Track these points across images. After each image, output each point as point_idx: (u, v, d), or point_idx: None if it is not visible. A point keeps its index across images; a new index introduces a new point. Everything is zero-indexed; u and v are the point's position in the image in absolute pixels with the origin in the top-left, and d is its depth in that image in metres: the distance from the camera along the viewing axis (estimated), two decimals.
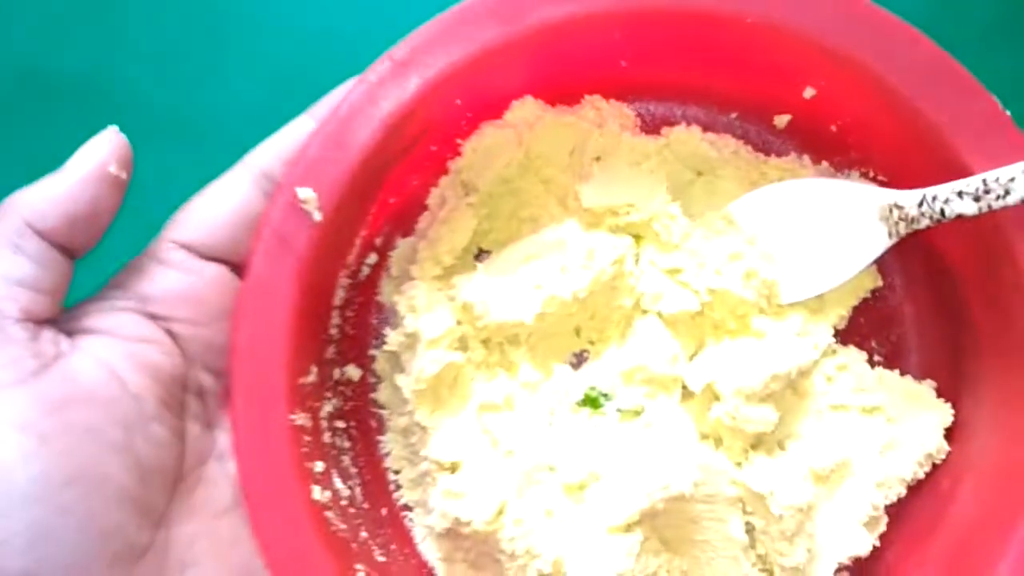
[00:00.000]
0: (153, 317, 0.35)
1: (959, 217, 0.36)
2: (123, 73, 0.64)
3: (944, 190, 0.36)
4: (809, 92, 0.40)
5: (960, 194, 0.35)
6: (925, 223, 0.37)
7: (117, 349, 0.34)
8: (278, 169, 0.37)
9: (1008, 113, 0.35)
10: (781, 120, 0.43)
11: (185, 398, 0.37)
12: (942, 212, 0.36)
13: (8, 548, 0.29)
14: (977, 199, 0.35)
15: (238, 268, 0.37)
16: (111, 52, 0.64)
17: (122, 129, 0.59)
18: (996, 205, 0.34)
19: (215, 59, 0.64)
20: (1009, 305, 0.37)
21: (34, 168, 0.59)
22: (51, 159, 0.58)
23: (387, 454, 0.45)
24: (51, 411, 0.31)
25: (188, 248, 0.36)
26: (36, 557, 0.30)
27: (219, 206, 0.36)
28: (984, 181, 0.34)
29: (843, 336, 0.44)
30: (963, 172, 0.36)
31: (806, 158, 0.44)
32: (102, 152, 0.35)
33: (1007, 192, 0.34)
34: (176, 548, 0.35)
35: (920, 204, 0.37)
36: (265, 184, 0.37)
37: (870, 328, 0.45)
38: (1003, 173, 0.34)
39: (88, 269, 0.40)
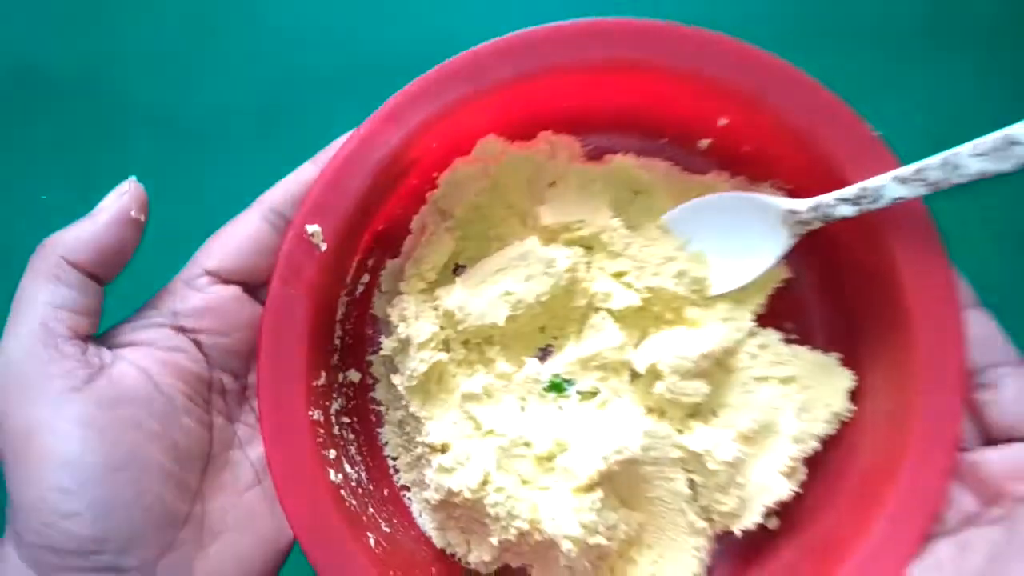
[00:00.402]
0: (182, 330, 0.43)
1: (842, 219, 0.44)
2: (118, 72, 0.66)
3: (829, 197, 0.44)
4: (722, 122, 0.47)
5: (842, 200, 0.43)
6: (817, 224, 0.45)
7: (152, 357, 0.41)
8: (285, 207, 0.44)
9: (878, 133, 0.43)
10: (703, 143, 0.50)
11: (210, 396, 0.44)
12: (828, 215, 0.44)
13: (80, 519, 0.37)
14: (855, 204, 0.43)
15: (251, 288, 0.44)
16: (107, 51, 0.66)
17: (116, 127, 0.65)
18: (870, 208, 0.42)
19: (210, 58, 0.66)
20: (886, 288, 0.45)
21: (31, 166, 0.64)
22: (47, 156, 0.64)
23: (385, 443, 0.53)
24: (104, 410, 0.38)
25: (211, 273, 0.43)
26: (103, 527, 0.37)
27: (236, 238, 0.44)
28: (861, 189, 0.43)
29: (762, 320, 0.51)
30: (844, 183, 0.43)
31: (725, 175, 0.51)
32: (125, 200, 0.42)
33: (878, 197, 0.42)
34: (210, 518, 0.42)
35: (812, 210, 0.45)
36: (274, 219, 0.44)
37: (784, 312, 0.52)
38: (874, 182, 0.42)
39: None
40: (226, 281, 0.44)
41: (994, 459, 0.42)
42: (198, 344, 0.43)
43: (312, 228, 0.43)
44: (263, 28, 0.67)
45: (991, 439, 0.43)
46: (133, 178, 0.43)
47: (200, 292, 0.43)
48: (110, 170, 0.60)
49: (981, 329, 0.43)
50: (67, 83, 0.66)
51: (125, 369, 0.40)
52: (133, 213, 0.42)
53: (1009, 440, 0.42)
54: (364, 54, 0.66)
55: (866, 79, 0.61)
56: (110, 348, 0.41)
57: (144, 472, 0.39)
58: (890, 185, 0.41)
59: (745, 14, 0.64)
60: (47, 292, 0.39)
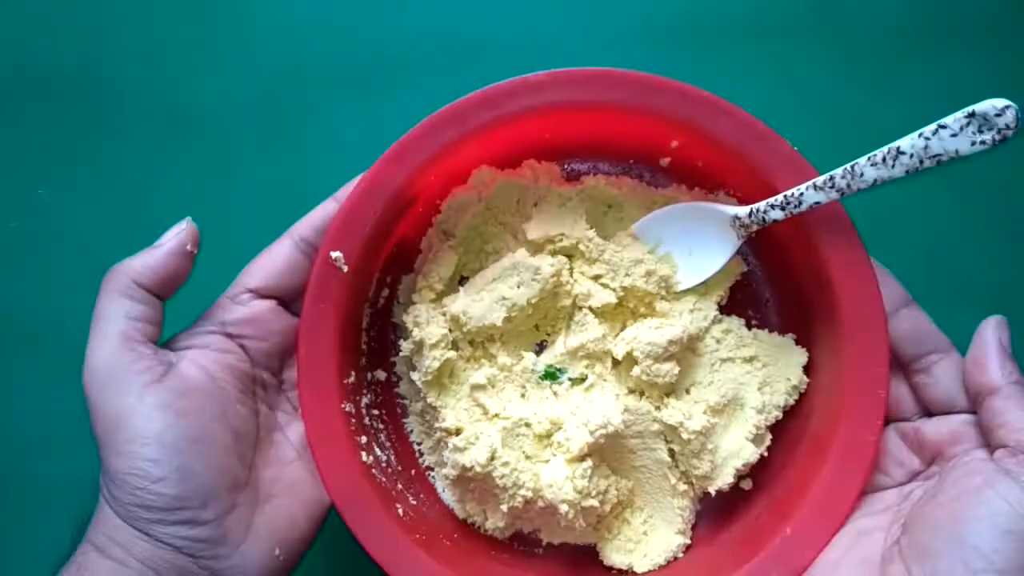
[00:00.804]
0: (230, 336, 0.53)
1: (775, 222, 0.52)
2: (117, 66, 0.67)
3: (762, 204, 0.52)
4: (674, 144, 0.56)
5: (772, 206, 0.52)
6: (755, 227, 0.53)
7: (208, 357, 0.51)
8: (311, 235, 0.53)
9: (796, 149, 0.51)
10: (664, 162, 0.59)
11: (255, 388, 0.54)
12: (763, 219, 0.52)
13: (167, 482, 0.47)
14: (783, 208, 0.51)
15: (285, 302, 0.54)
16: (106, 45, 0.68)
17: (115, 121, 0.67)
18: (795, 212, 0.51)
19: (210, 52, 0.67)
20: (818, 277, 0.53)
21: (29, 160, 0.66)
22: (46, 151, 0.66)
23: (411, 431, 0.62)
24: (177, 397, 0.48)
25: (252, 291, 0.53)
26: (184, 488, 0.47)
27: (271, 262, 0.53)
28: (785, 196, 0.51)
29: (725, 309, 0.60)
30: (774, 191, 0.52)
31: (684, 187, 0.59)
32: (183, 236, 0.51)
33: (800, 203, 0.50)
34: (263, 484, 0.52)
35: (749, 215, 0.53)
36: (303, 246, 0.53)
37: (745, 302, 0.61)
38: (796, 190, 0.50)
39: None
40: (264, 296, 0.53)
41: (932, 429, 0.51)
42: (244, 348, 0.53)
43: (335, 254, 0.52)
44: (262, 22, 0.68)
45: (931, 413, 0.52)
46: (189, 218, 0.52)
47: (243, 306, 0.53)
48: (109, 164, 0.66)
49: (916, 323, 0.51)
50: (66, 77, 0.67)
51: (189, 367, 0.50)
52: (189, 247, 0.51)
53: (946, 413, 0.51)
54: (364, 47, 0.68)
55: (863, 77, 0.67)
56: (174, 351, 0.51)
57: (212, 446, 0.49)
58: (808, 192, 0.50)
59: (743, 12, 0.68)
60: (123, 307, 0.49)
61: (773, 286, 0.61)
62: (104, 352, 0.48)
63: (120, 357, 0.48)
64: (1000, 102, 0.42)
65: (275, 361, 0.55)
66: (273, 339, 0.54)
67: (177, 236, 0.51)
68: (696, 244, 0.57)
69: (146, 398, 0.47)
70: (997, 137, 0.42)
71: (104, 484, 0.48)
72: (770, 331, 0.59)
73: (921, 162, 0.45)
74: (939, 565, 0.42)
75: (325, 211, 0.54)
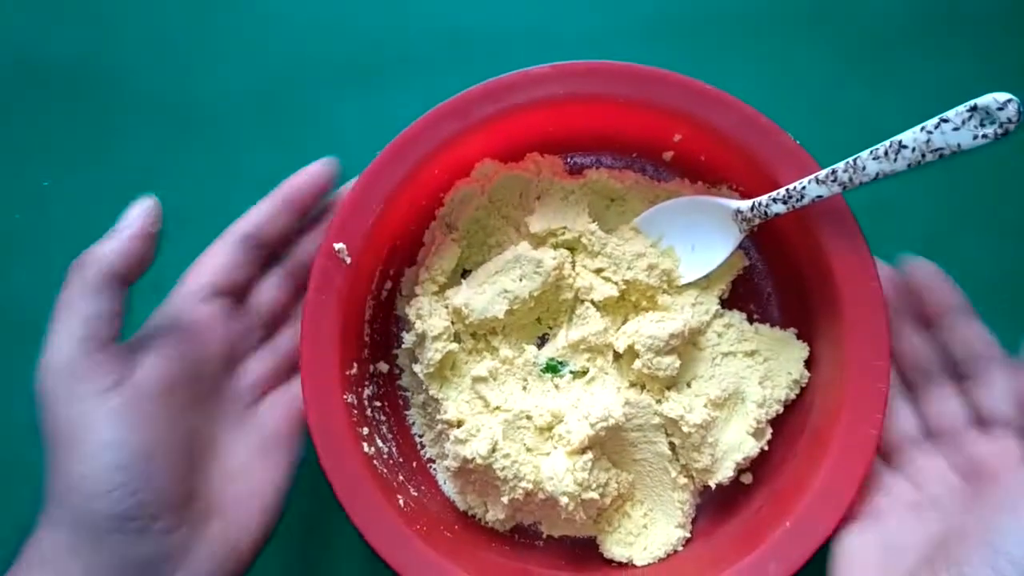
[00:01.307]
0: (182, 339, 0.51)
1: (777, 215, 0.52)
2: (119, 59, 0.67)
3: (765, 198, 0.52)
4: (677, 137, 0.56)
5: (774, 200, 0.52)
6: (757, 221, 0.54)
7: (164, 361, 0.49)
8: (251, 231, 0.54)
9: (798, 143, 0.52)
10: (667, 155, 0.59)
11: (205, 395, 0.52)
12: (765, 213, 0.53)
13: (125, 489, 0.44)
14: (785, 202, 0.51)
15: (233, 300, 0.54)
16: (107, 38, 0.68)
17: (117, 114, 0.67)
18: (797, 205, 0.51)
19: (211, 46, 0.67)
20: (820, 271, 0.53)
21: (33, 152, 0.66)
22: (48, 143, 0.66)
23: (412, 423, 0.62)
24: (132, 404, 0.46)
25: (199, 291, 0.53)
26: (142, 496, 0.45)
27: (213, 262, 0.53)
28: (787, 190, 0.51)
29: (727, 303, 0.60)
30: (776, 185, 0.52)
31: (686, 181, 0.60)
32: (147, 216, 0.49)
33: (802, 196, 0.50)
34: (211, 499, 0.50)
35: (751, 209, 0.53)
36: (247, 243, 0.53)
37: (747, 296, 0.61)
38: (798, 184, 0.50)
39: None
40: (211, 296, 0.53)
41: (982, 448, 0.50)
42: (194, 351, 0.52)
43: (339, 246, 0.52)
44: (263, 16, 0.68)
45: (980, 422, 0.51)
46: (150, 196, 0.51)
47: (192, 306, 0.52)
48: (111, 157, 0.66)
49: (971, 331, 0.51)
50: (68, 70, 0.67)
51: (146, 371, 0.48)
52: (152, 228, 0.50)
53: (994, 424, 0.50)
54: (366, 42, 0.68)
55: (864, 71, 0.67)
56: (131, 353, 0.49)
57: (168, 453, 0.47)
58: (810, 186, 0.50)
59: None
60: (89, 304, 0.47)
61: (775, 280, 0.61)
62: (65, 352, 0.46)
63: (81, 359, 0.46)
64: (1002, 96, 0.42)
65: (224, 366, 0.54)
66: (221, 343, 0.53)
67: (141, 217, 0.49)
68: (698, 238, 0.58)
69: (102, 406, 0.46)
70: (999, 131, 0.42)
71: (51, 493, 0.46)
72: (771, 325, 0.59)
73: (923, 156, 0.45)
74: (966, 569, 0.42)
75: (262, 207, 0.54)
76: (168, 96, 0.67)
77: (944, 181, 0.64)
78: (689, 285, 0.59)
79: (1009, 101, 0.42)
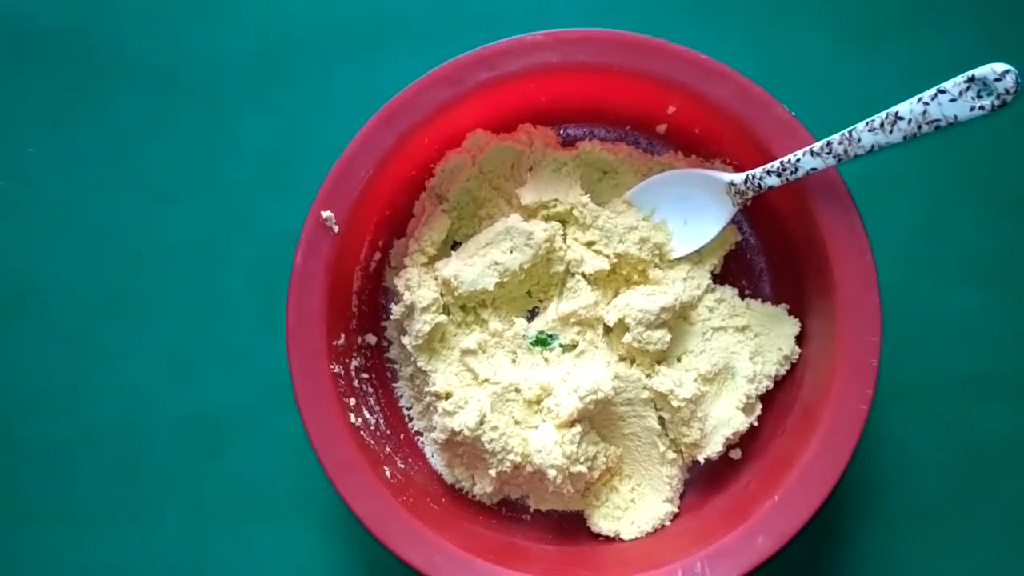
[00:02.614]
0: None
1: (771, 188, 0.52)
2: (109, 25, 0.66)
3: (759, 171, 0.52)
4: (671, 109, 0.56)
5: (768, 172, 0.51)
6: (751, 194, 0.53)
7: None
8: None
9: (793, 115, 0.51)
10: (661, 128, 0.59)
11: None
12: (759, 185, 0.52)
13: None
14: (779, 175, 0.51)
15: None
16: (96, 7, 0.67)
17: (105, 83, 0.66)
18: (791, 178, 0.50)
19: (202, 10, 0.67)
20: (813, 245, 0.52)
21: (19, 118, 0.65)
22: (35, 109, 0.65)
23: (400, 396, 0.62)
24: None
25: None
26: None
27: None
28: (781, 162, 0.50)
29: (719, 279, 0.59)
30: (770, 158, 0.52)
31: (680, 154, 0.59)
32: None
33: (796, 169, 0.50)
34: None
35: (745, 181, 0.53)
36: None
37: (738, 272, 0.60)
38: (792, 156, 0.50)
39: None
40: None
41: None
42: None
43: (326, 214, 0.52)
44: None
45: None
46: None
47: None
48: (98, 124, 0.66)
49: None
50: (56, 37, 0.66)
51: None
52: None
53: None
54: (359, 8, 0.67)
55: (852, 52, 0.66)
56: None
57: None
58: (804, 158, 0.49)
59: None
60: None
61: (767, 256, 0.60)
62: None
63: None
64: (1000, 66, 0.41)
65: None
66: None
67: None
68: (691, 212, 0.57)
69: None
70: (996, 102, 0.42)
71: None
72: (763, 301, 0.59)
73: (919, 128, 0.45)
74: None
75: None
76: (157, 61, 0.66)
77: (940, 157, 0.63)
78: (681, 259, 0.58)
79: (1007, 72, 0.41)
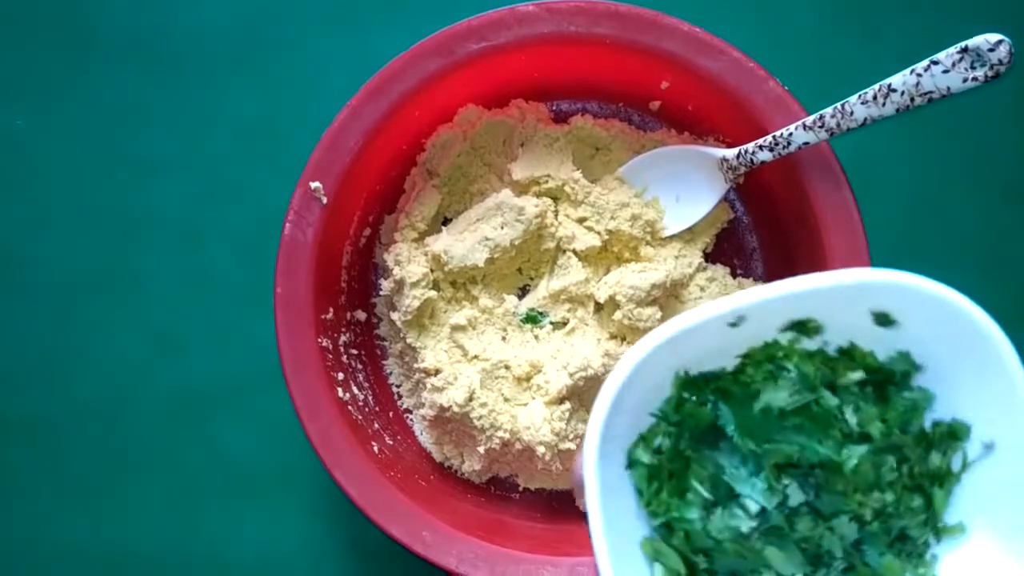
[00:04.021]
0: None
1: (763, 163, 0.51)
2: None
3: (751, 146, 0.51)
4: (664, 84, 0.55)
5: (761, 147, 0.51)
6: (743, 170, 0.53)
7: None
8: None
9: (786, 88, 0.51)
10: (654, 105, 0.58)
11: None
12: (751, 161, 0.52)
13: None
14: (771, 149, 0.50)
15: None
16: None
17: (94, 55, 0.65)
18: (783, 153, 0.50)
19: None
20: (805, 221, 0.52)
21: (7, 93, 0.65)
22: (23, 81, 0.64)
23: (389, 373, 0.61)
24: None
25: None
26: None
27: None
28: (774, 137, 0.50)
29: (711, 257, 0.59)
30: (763, 133, 0.51)
31: (673, 131, 0.59)
32: None
33: (788, 143, 0.50)
34: None
35: (738, 156, 0.52)
36: None
37: (730, 251, 0.60)
38: (784, 131, 0.49)
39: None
40: None
41: None
42: None
43: (315, 184, 0.51)
44: None
45: None
46: None
47: None
48: (88, 96, 0.65)
49: None
50: (44, 9, 0.66)
51: None
52: None
53: None
54: None
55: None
56: None
57: None
58: (797, 132, 0.49)
59: None
60: None
61: (759, 235, 0.60)
62: None
63: None
64: (993, 37, 0.41)
65: None
66: None
67: None
68: (683, 189, 0.57)
69: None
70: (990, 73, 0.42)
71: None
72: (755, 280, 0.59)
73: (912, 100, 0.44)
74: None
75: None
76: (145, 34, 0.66)
77: (934, 138, 0.63)
78: (673, 237, 0.58)
79: (1000, 42, 0.41)
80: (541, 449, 0.53)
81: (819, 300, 0.32)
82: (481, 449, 0.55)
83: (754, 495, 0.32)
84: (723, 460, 0.33)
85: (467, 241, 0.56)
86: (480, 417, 0.54)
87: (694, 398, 0.33)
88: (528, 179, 0.57)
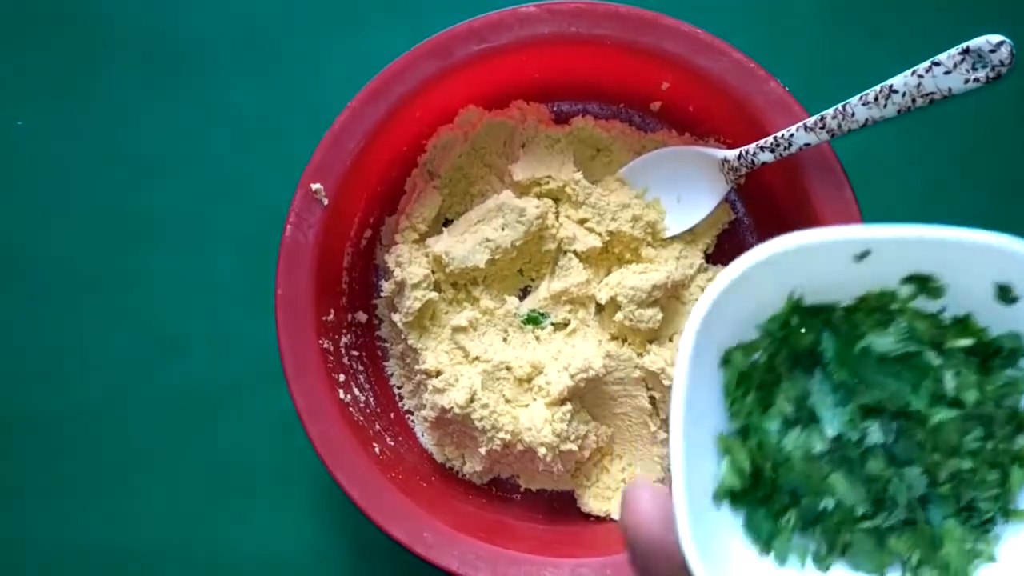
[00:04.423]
0: None
1: (764, 164, 0.51)
2: None
3: (753, 147, 0.51)
4: (665, 85, 0.55)
5: (762, 148, 0.51)
6: (744, 171, 0.53)
7: None
8: None
9: (787, 89, 0.51)
10: (655, 106, 0.58)
11: None
12: (752, 162, 0.52)
13: None
14: (772, 151, 0.50)
15: None
16: None
17: (94, 55, 0.65)
18: (785, 153, 0.50)
19: None
20: (806, 222, 0.52)
21: (6, 91, 0.65)
22: (23, 84, 0.65)
23: (391, 375, 0.61)
24: None
25: None
26: None
27: None
28: (775, 138, 0.50)
29: (712, 258, 0.59)
30: (764, 134, 0.51)
31: (674, 132, 0.59)
32: None
33: (790, 144, 0.50)
34: None
35: (739, 157, 0.52)
36: None
37: (732, 252, 0.60)
38: (786, 132, 0.49)
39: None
40: None
41: None
42: None
43: (315, 186, 0.51)
44: None
45: None
46: None
47: None
48: (86, 97, 0.65)
49: None
50: (44, 8, 0.66)
51: None
52: None
53: None
54: None
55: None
56: None
57: None
58: (798, 134, 0.49)
59: None
60: None
61: (761, 236, 0.60)
62: None
63: None
64: (995, 38, 0.41)
65: None
66: None
67: None
68: (685, 190, 0.57)
69: None
70: (991, 74, 0.42)
71: None
72: None
73: (914, 101, 0.44)
74: None
75: None
76: (146, 33, 0.66)
77: (934, 137, 0.63)
78: (674, 238, 0.58)
79: (1002, 43, 0.41)
80: (542, 450, 0.53)
81: (944, 253, 0.32)
82: (482, 450, 0.55)
83: (834, 422, 0.33)
84: (813, 386, 0.33)
85: (468, 242, 0.56)
86: (481, 418, 0.54)
87: (801, 321, 0.34)
88: (529, 180, 0.57)
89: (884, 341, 0.33)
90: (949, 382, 0.33)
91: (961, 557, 0.32)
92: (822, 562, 0.32)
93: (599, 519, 0.57)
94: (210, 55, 0.65)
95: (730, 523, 0.32)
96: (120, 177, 0.64)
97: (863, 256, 0.32)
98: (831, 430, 0.32)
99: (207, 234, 0.64)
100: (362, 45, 0.65)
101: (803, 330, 0.33)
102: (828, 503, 0.32)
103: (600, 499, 0.57)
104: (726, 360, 0.33)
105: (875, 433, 0.32)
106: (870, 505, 0.33)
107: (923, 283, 0.33)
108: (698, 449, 0.31)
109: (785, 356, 0.34)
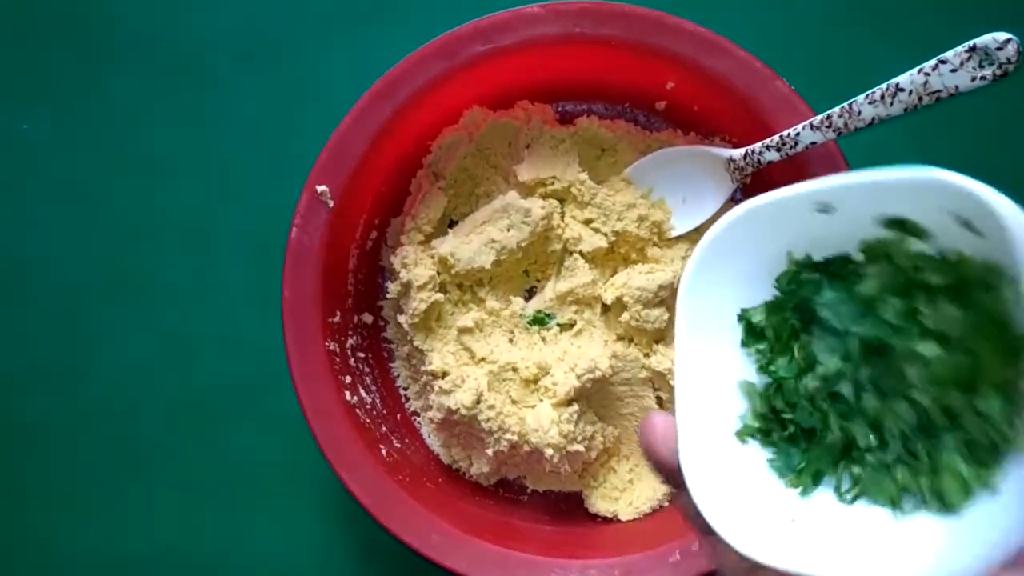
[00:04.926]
0: None
1: (770, 163, 0.51)
2: (104, 2, 0.66)
3: (759, 146, 0.51)
4: (670, 85, 0.55)
5: (768, 147, 0.51)
6: (750, 170, 0.53)
7: None
8: None
9: (793, 88, 0.51)
10: (660, 105, 0.58)
11: None
12: (758, 161, 0.52)
13: None
14: (778, 149, 0.50)
15: None
16: None
17: (100, 59, 0.65)
18: (791, 153, 0.50)
19: None
20: None
21: (12, 95, 0.65)
22: (29, 88, 0.65)
23: (397, 376, 0.61)
24: None
25: None
26: None
27: None
28: (781, 137, 0.50)
29: None
30: (770, 133, 0.51)
31: (679, 132, 0.59)
32: None
33: (796, 143, 0.49)
34: None
35: (744, 157, 0.52)
36: None
37: None
38: (792, 130, 0.49)
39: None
40: None
41: None
42: None
43: (321, 188, 0.51)
44: None
45: None
46: None
47: None
48: (92, 101, 0.65)
49: None
50: (51, 12, 0.66)
51: None
52: None
53: None
54: None
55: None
56: None
57: None
58: (804, 132, 0.49)
59: None
60: None
61: None
62: None
63: None
64: (1002, 35, 0.41)
65: None
66: None
67: None
68: (690, 189, 0.57)
69: None
70: (998, 72, 0.41)
71: None
72: None
73: (920, 99, 0.44)
74: None
75: None
76: (151, 37, 0.66)
77: (941, 135, 0.62)
78: (680, 237, 0.58)
79: (1008, 41, 0.41)
80: (549, 451, 0.53)
81: (897, 195, 0.33)
82: (489, 451, 0.55)
83: (829, 363, 0.34)
84: (815, 334, 0.36)
85: (473, 243, 0.56)
86: (488, 419, 0.54)
87: (807, 276, 0.36)
88: (534, 181, 0.57)
89: (870, 285, 0.34)
90: (931, 318, 0.33)
91: (960, 488, 0.32)
92: (843, 496, 0.34)
93: (606, 520, 0.57)
94: (216, 58, 0.65)
95: (755, 459, 0.35)
96: (127, 181, 0.64)
97: (826, 209, 0.33)
98: (823, 368, 0.34)
99: (213, 237, 0.64)
100: (367, 47, 0.65)
101: (808, 281, 0.36)
102: (838, 440, 0.34)
103: (607, 500, 0.57)
104: (743, 317, 0.36)
105: (864, 369, 0.34)
106: (874, 438, 0.34)
107: (902, 226, 0.33)
108: (720, 394, 0.35)
109: (794, 310, 0.36)
